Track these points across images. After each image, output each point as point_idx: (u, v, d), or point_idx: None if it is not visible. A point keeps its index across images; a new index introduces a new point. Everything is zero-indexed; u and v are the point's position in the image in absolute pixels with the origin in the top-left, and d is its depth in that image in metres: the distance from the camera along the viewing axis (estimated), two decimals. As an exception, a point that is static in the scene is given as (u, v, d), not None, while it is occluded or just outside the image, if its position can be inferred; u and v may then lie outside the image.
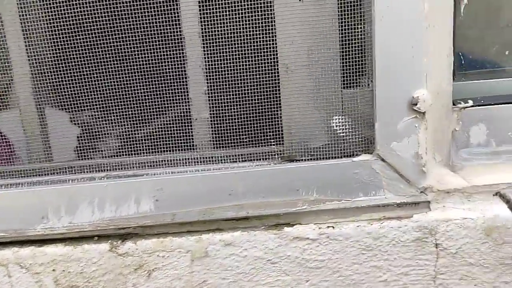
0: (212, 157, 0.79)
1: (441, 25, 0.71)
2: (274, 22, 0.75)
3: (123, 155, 0.80)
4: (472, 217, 0.75)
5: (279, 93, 0.77)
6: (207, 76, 0.79)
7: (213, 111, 0.80)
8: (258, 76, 0.76)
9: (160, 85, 0.78)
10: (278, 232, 0.76)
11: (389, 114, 0.72)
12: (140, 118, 0.80)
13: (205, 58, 0.79)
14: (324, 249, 0.76)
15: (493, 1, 0.79)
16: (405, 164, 0.74)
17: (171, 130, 0.79)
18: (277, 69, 0.77)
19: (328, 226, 0.76)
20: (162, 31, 0.76)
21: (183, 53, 0.78)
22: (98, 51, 0.76)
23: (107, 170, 0.80)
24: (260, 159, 0.79)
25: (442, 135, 0.75)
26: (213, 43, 0.77)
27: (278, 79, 0.77)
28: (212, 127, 0.81)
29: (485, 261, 0.76)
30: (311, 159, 0.77)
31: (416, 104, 0.72)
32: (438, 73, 0.73)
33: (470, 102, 0.75)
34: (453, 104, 0.75)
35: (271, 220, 0.77)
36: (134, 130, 0.81)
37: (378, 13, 0.69)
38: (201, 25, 0.77)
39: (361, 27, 0.73)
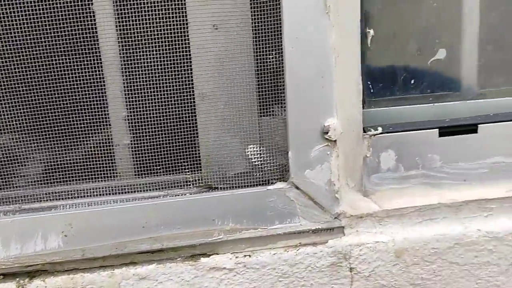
0: (128, 186, 0.76)
1: (349, 55, 0.73)
2: (189, 50, 0.74)
3: (36, 185, 0.76)
4: (384, 241, 0.77)
5: (196, 121, 0.77)
6: (127, 101, 0.77)
7: (134, 137, 0.78)
8: (175, 103, 0.75)
9: (79, 109, 0.75)
10: (195, 263, 0.75)
11: (302, 142, 0.73)
12: (57, 145, 0.76)
13: (124, 83, 0.77)
14: (241, 278, 0.76)
15: (401, 32, 0.82)
16: (319, 191, 0.75)
17: (87, 158, 0.76)
18: (194, 96, 0.76)
19: (245, 255, 0.76)
20: (81, 54, 0.72)
21: (102, 77, 0.75)
22: (5, 70, 0.72)
23: (17, 202, 0.76)
24: (179, 187, 0.77)
25: (354, 162, 0.77)
26: (132, 68, 0.74)
27: (195, 107, 0.76)
28: (132, 154, 0.78)
29: (396, 282, 0.79)
30: (229, 187, 0.77)
31: (327, 133, 0.73)
32: (348, 101, 0.75)
33: (380, 129, 0.77)
34: (364, 131, 0.77)
35: (187, 251, 0.75)
36: (50, 158, 0.77)
37: (288, 43, 0.70)
38: (120, 50, 0.75)
39: (273, 56, 0.74)
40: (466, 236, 0.78)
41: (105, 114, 0.75)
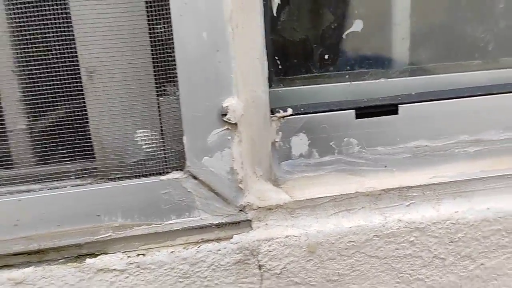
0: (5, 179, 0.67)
1: (250, 25, 0.64)
2: (71, 19, 0.65)
3: None
4: (295, 234, 0.70)
5: (84, 102, 0.67)
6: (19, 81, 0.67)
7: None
8: (60, 81, 0.65)
9: None
10: (79, 265, 0.66)
11: (198, 126, 0.65)
12: None
13: (14, 59, 0.66)
14: (135, 280, 0.67)
15: (314, 1, 0.74)
16: (220, 181, 0.67)
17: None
18: (79, 73, 0.67)
19: (138, 254, 0.67)
20: None
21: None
22: None
23: None
24: (67, 178, 0.68)
25: (261, 147, 0.69)
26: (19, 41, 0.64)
27: (82, 88, 0.67)
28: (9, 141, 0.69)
29: (311, 279, 0.72)
30: (126, 177, 0.68)
31: (225, 115, 0.65)
32: (251, 79, 0.66)
33: (290, 111, 0.69)
34: (272, 113, 0.69)
35: (71, 252, 0.66)
36: None
37: (175, 9, 0.61)
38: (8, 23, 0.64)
39: (162, 26, 0.64)
40: (386, 228, 0.71)
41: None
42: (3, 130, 0.66)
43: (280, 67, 0.71)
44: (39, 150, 0.67)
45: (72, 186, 0.66)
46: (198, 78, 0.63)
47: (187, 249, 0.68)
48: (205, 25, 0.62)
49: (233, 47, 0.63)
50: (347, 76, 0.75)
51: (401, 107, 0.70)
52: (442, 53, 0.76)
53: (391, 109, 0.70)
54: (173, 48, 0.63)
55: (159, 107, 0.66)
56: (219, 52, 0.63)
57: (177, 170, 0.67)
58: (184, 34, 0.61)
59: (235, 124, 0.65)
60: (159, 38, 0.64)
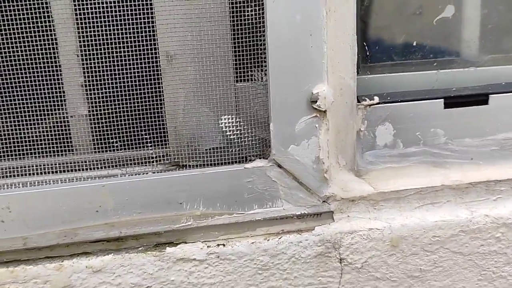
0: (80, 163, 0.65)
1: (343, 10, 0.61)
2: (152, 3, 0.62)
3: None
4: (379, 227, 0.67)
5: (162, 87, 0.65)
6: (84, 65, 0.65)
7: (91, 107, 0.66)
8: (137, 65, 0.63)
9: (26, 74, 0.62)
10: (159, 254, 0.64)
11: (286, 113, 0.62)
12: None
13: (80, 44, 0.64)
14: (214, 271, 0.65)
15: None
16: (305, 170, 0.64)
17: (35, 131, 0.64)
18: (158, 58, 0.65)
19: (219, 244, 0.65)
20: (27, 10, 0.60)
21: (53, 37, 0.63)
22: None
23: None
24: (142, 164, 0.66)
25: (346, 137, 0.66)
26: (87, 25, 0.62)
27: (159, 71, 0.65)
28: (91, 127, 0.67)
29: (392, 275, 0.69)
30: (201, 165, 0.66)
31: (315, 102, 0.62)
32: (341, 65, 0.64)
33: (376, 99, 0.67)
34: (358, 101, 0.66)
35: (150, 240, 0.64)
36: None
37: (270, -7, 0.59)
38: (74, 5, 0.62)
39: (253, 9, 0.62)
40: (473, 223, 0.68)
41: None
42: (81, 114, 0.65)
43: (367, 53, 0.69)
44: (119, 135, 0.65)
45: (154, 172, 0.64)
46: (289, 63, 0.61)
47: (268, 240, 0.65)
48: (299, 7, 0.59)
49: (326, 31, 0.61)
50: (434, 64, 0.72)
51: (492, 97, 0.67)
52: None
53: (481, 99, 0.67)
54: (262, 32, 0.61)
55: (242, 92, 0.64)
56: (312, 36, 0.60)
57: (260, 158, 0.65)
58: (277, 17, 0.59)
59: (324, 111, 0.62)
60: (247, 22, 0.62)
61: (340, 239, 0.66)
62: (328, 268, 0.67)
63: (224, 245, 0.65)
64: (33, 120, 0.63)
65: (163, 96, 0.64)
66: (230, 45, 0.63)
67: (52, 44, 0.62)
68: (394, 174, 0.69)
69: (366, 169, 0.68)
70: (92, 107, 0.64)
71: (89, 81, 0.63)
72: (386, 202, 0.68)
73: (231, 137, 0.65)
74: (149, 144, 0.64)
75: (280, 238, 0.65)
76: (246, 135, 0.64)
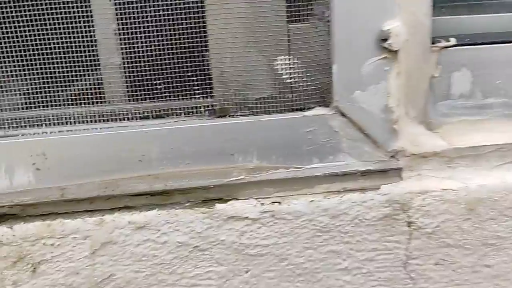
0: (120, 113, 0.59)
1: None
2: None
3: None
4: (454, 188, 0.59)
5: (205, 27, 0.59)
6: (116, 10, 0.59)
7: (125, 55, 0.60)
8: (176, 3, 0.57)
9: (56, 22, 0.57)
10: (208, 210, 0.58)
11: (351, 53, 0.55)
12: (28, 62, 0.58)
13: None
14: (268, 232, 0.59)
15: None
16: (372, 120, 0.57)
17: (68, 79, 0.59)
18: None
19: (274, 202, 0.59)
20: None
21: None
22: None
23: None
24: (185, 115, 0.61)
25: (418, 83, 0.59)
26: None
27: (203, 8, 0.58)
28: (124, 75, 0.61)
29: (466, 241, 0.61)
30: (250, 114, 0.60)
31: (386, 40, 0.54)
32: (414, 1, 0.56)
33: (453, 41, 0.59)
34: (432, 43, 0.59)
35: (198, 195, 0.58)
36: (24, 79, 0.60)
37: None
38: None
39: None
40: (561, 184, 0.61)
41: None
42: (118, 63, 0.59)
43: (443, -11, 0.61)
44: (160, 83, 0.59)
45: (201, 119, 0.58)
46: (357, -6, 0.54)
47: (329, 198, 0.59)
48: None
49: (400, -42, 0.54)
50: (521, 4, 0.64)
51: None
52: None
53: None
54: (327, -42, 0.54)
55: (299, 30, 0.58)
56: (384, -37, 0.53)
57: (321, 106, 0.58)
58: None
59: (396, 51, 0.55)
60: None
61: (410, 200, 0.59)
62: (395, 232, 0.60)
63: (280, 202, 0.58)
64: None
65: (206, 38, 0.58)
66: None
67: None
68: (470, 128, 0.61)
69: (439, 121, 0.60)
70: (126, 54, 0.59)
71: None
72: (462, 159, 0.60)
73: (287, 81, 0.58)
74: (194, 93, 0.58)
75: (342, 197, 0.58)
76: (305, 79, 0.58)
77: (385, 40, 0.54)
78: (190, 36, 0.57)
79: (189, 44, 0.57)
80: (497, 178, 0.60)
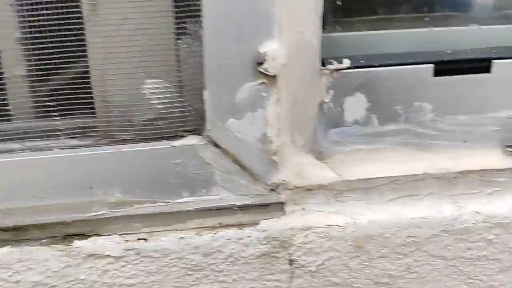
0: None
1: None
2: None
3: None
4: (340, 224, 0.54)
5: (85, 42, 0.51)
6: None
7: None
8: (57, 14, 0.49)
9: None
10: (66, 248, 0.52)
11: (225, 78, 0.48)
12: None
13: None
14: (133, 270, 0.53)
15: None
16: (248, 151, 0.51)
17: None
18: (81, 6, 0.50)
19: (139, 239, 0.53)
20: None
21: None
22: None
23: None
24: (63, 137, 0.53)
25: (305, 109, 0.52)
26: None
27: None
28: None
29: (354, 280, 0.57)
30: (132, 139, 0.53)
31: (262, 63, 0.48)
32: (299, 18, 0.48)
33: (347, 62, 0.52)
34: (323, 65, 0.52)
35: (57, 230, 0.52)
36: None
37: None
38: None
39: None
40: (459, 221, 0.55)
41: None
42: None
43: (338, 2, 0.53)
44: (18, 101, 0.51)
45: (61, 148, 0.51)
46: (229, 11, 0.46)
47: (201, 235, 0.53)
48: None
49: (277, -31, 0.46)
50: (426, 20, 0.56)
51: (496, 64, 0.52)
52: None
53: (482, 65, 0.52)
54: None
55: (177, 52, 0.50)
56: (258, -24, 0.46)
57: (194, 134, 0.52)
58: None
59: (274, 76, 0.48)
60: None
61: (291, 237, 0.54)
62: (275, 271, 0.55)
63: (146, 239, 0.53)
64: None
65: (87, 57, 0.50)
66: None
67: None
68: (365, 158, 0.55)
69: (331, 150, 0.54)
70: None
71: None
72: (352, 192, 0.55)
73: (157, 106, 0.51)
74: (57, 114, 0.51)
75: (215, 234, 0.53)
76: (177, 104, 0.51)
77: (261, 63, 0.47)
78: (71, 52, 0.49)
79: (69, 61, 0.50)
80: (390, 213, 0.55)
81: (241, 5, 0.46)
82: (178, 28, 0.49)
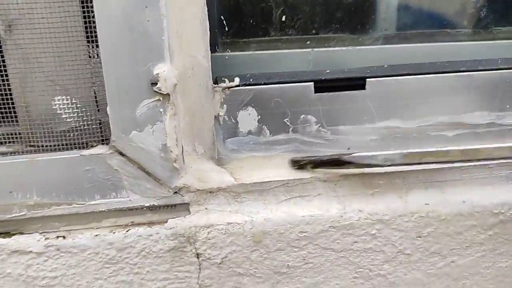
0: None
1: (187, -23, 0.54)
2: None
3: None
4: (239, 222, 0.62)
5: (4, 61, 0.58)
6: None
7: None
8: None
9: None
10: (-8, 245, 0.60)
11: (125, 96, 0.55)
12: None
13: None
14: (55, 264, 0.60)
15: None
16: (151, 159, 0.58)
17: None
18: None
19: (58, 236, 0.60)
20: None
21: None
22: None
23: None
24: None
25: (203, 122, 0.59)
26: None
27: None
28: None
29: (257, 270, 0.64)
30: (51, 149, 0.60)
31: (156, 84, 0.55)
32: (190, 42, 0.56)
33: (236, 81, 0.59)
34: (216, 83, 0.59)
35: (-16, 230, 0.60)
36: None
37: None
38: None
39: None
40: (344, 218, 0.62)
41: None
42: None
43: (226, 28, 0.61)
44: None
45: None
46: (123, 39, 0.53)
47: (114, 233, 0.60)
48: (128, -26, 0.51)
49: (165, 3, 0.53)
50: (308, 42, 0.64)
51: (370, 82, 0.60)
52: (425, 19, 0.64)
53: (357, 83, 0.60)
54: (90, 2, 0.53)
55: (91, 70, 0.57)
56: (148, 9, 0.52)
57: (103, 144, 0.59)
58: (103, -16, 0.51)
59: (167, 94, 0.56)
60: (78, -11, 0.54)
61: (195, 233, 0.61)
62: (184, 263, 0.62)
63: (64, 237, 0.60)
64: None
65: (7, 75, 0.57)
66: (76, 14, 0.55)
67: None
68: (259, 164, 0.62)
69: (229, 158, 0.62)
70: None
71: None
72: (249, 194, 0.62)
73: (68, 120, 0.58)
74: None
75: (127, 231, 0.60)
76: (85, 118, 0.58)
77: (155, 83, 0.55)
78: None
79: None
80: (283, 212, 0.62)
81: (133, 33, 0.53)
82: (89, 48, 0.56)
